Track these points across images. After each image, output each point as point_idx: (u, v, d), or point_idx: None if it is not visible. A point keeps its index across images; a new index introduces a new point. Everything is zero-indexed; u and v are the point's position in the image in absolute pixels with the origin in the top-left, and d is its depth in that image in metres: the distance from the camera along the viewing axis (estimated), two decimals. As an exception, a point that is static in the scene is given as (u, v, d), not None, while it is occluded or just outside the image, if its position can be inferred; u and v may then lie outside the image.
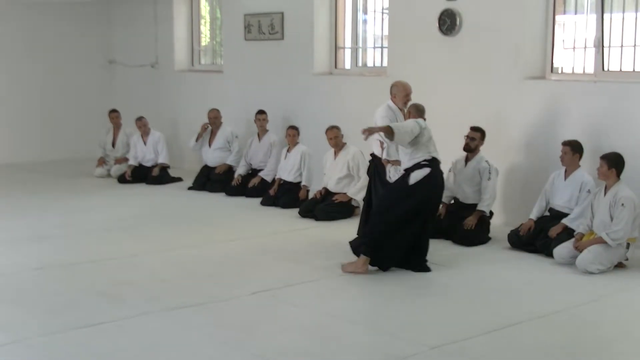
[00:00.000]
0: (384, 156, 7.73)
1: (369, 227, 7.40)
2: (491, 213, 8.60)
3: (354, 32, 11.40)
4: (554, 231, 7.83)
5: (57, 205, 10.42)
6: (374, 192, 7.90)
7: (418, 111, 7.40)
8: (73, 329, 5.76)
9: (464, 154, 8.69)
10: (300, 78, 11.58)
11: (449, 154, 8.42)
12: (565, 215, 7.92)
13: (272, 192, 10.53)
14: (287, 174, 10.56)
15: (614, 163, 7.41)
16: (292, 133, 10.58)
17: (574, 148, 7.98)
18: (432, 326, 5.95)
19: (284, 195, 10.40)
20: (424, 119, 7.31)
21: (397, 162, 7.56)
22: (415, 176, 7.10)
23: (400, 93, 7.81)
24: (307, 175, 10.44)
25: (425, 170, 7.09)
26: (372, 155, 8.00)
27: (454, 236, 8.34)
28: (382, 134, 7.40)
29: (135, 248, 8.16)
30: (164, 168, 12.31)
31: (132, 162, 12.48)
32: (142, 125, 12.46)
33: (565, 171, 8.06)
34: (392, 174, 7.45)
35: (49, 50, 14.53)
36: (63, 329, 5.75)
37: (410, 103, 7.68)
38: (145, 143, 12.44)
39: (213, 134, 11.98)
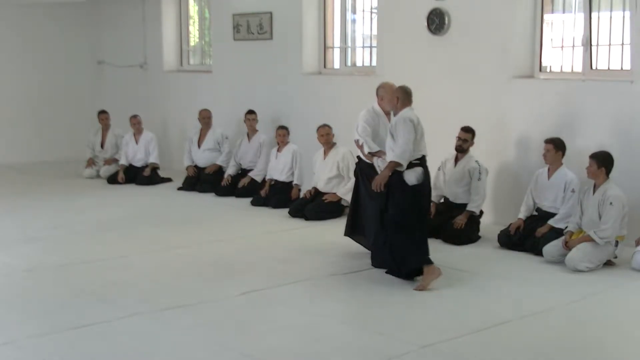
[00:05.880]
0: (366, 151, 7.49)
1: (400, 247, 6.97)
2: (481, 212, 8.62)
3: (343, 31, 11.41)
4: (540, 232, 7.88)
5: (46, 206, 10.39)
6: (361, 193, 7.84)
7: (407, 94, 7.08)
8: (63, 330, 5.75)
9: (454, 153, 8.70)
10: (290, 78, 11.57)
11: (438, 154, 8.44)
12: (553, 215, 7.95)
13: (263, 193, 10.53)
14: (279, 173, 10.55)
15: (603, 162, 7.43)
16: (282, 133, 10.57)
17: (557, 146, 8.00)
18: (422, 325, 5.96)
19: (275, 195, 10.40)
20: (411, 102, 7.08)
21: (381, 153, 7.34)
22: (410, 178, 6.90)
23: (389, 95, 7.47)
24: (299, 174, 10.44)
25: (419, 169, 7.01)
26: (358, 157, 7.85)
27: (443, 235, 8.35)
28: (359, 140, 7.47)
29: (126, 249, 8.15)
30: (154, 169, 12.28)
31: (123, 161, 12.43)
32: (137, 123, 12.42)
33: (549, 169, 8.09)
34: (381, 165, 7.26)
35: (38, 51, 14.48)
36: (53, 330, 5.74)
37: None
38: (137, 142, 12.40)
39: (203, 135, 11.97)
